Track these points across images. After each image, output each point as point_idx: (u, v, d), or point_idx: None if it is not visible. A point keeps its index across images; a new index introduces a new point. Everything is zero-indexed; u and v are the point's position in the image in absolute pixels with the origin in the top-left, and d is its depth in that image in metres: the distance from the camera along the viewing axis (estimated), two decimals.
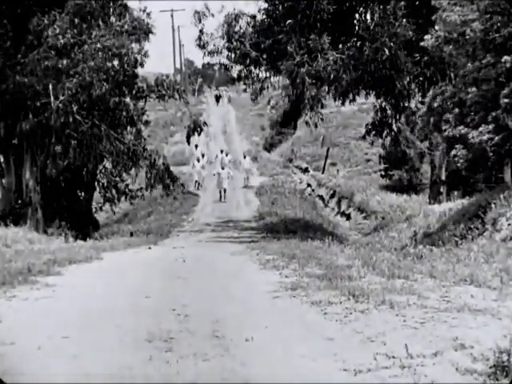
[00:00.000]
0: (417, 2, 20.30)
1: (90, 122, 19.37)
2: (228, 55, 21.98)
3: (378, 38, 19.19)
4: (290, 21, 20.00)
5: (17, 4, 18.71)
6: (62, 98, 18.53)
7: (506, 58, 13.03)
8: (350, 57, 19.57)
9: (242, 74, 22.24)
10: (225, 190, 32.05)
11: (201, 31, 21.90)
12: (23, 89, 18.37)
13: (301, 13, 20.04)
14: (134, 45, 21.96)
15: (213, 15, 21.95)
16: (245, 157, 39.01)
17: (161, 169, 21.11)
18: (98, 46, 18.87)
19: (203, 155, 37.92)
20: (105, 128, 19.85)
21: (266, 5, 21.67)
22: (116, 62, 20.16)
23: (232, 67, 22.56)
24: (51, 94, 18.51)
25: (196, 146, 38.06)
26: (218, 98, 63.64)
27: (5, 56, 18.59)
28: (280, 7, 20.94)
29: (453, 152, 15.02)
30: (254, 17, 21.87)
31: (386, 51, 19.08)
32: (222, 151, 38.65)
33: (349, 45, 20.22)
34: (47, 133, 19.39)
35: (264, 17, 21.68)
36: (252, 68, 21.99)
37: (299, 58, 19.54)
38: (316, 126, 22.35)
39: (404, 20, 19.09)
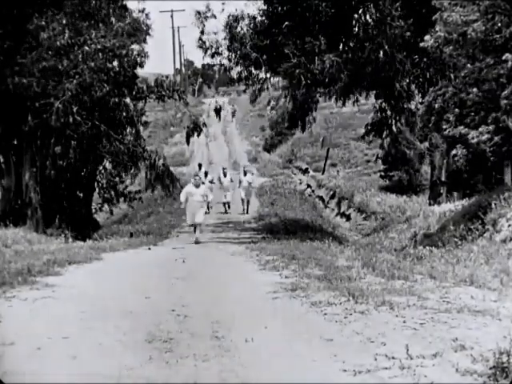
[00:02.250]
0: (416, 2, 20.30)
1: (90, 123, 19.39)
2: (228, 56, 22.00)
3: (374, 38, 19.21)
4: (287, 23, 20.03)
5: (14, 5, 18.71)
6: (62, 98, 18.55)
7: (507, 55, 13.03)
8: (347, 58, 19.59)
9: (243, 75, 22.26)
10: (198, 227, 18.11)
11: (202, 32, 21.92)
12: (23, 89, 18.39)
13: (299, 15, 20.07)
14: (134, 46, 22.02)
15: (214, 16, 21.96)
16: (245, 173, 28.42)
17: (161, 169, 21.16)
18: (99, 46, 18.89)
19: (206, 173, 28.54)
20: (105, 128, 19.88)
21: (264, 6, 21.70)
22: (116, 63, 20.20)
23: (232, 68, 22.58)
24: (51, 95, 18.53)
25: (200, 166, 30.53)
26: (218, 112, 59.84)
27: (4, 57, 18.60)
28: (279, 9, 20.96)
29: (453, 151, 15.06)
30: (254, 18, 21.89)
31: (381, 53, 19.11)
32: (225, 173, 28.75)
33: (346, 47, 20.23)
34: (47, 133, 19.41)
35: (263, 18, 21.71)
36: (252, 69, 22.02)
37: (296, 59, 19.57)
38: (304, 129, 22.43)
39: (401, 21, 19.10)
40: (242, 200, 28.07)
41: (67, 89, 18.57)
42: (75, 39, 18.98)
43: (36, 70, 18.23)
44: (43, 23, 18.55)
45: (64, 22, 18.80)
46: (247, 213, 27.84)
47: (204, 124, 24.78)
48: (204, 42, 21.94)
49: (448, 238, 14.08)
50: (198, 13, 21.86)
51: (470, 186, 22.82)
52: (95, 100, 19.30)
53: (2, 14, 18.50)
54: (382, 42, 18.96)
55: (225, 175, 28.52)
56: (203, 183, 22.70)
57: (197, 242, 17.74)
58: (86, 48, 18.89)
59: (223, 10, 22.07)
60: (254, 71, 22.12)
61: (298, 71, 19.28)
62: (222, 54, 22.09)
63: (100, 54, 19.00)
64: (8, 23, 18.68)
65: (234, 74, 22.83)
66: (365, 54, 19.33)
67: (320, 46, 19.38)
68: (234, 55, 21.76)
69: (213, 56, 22.11)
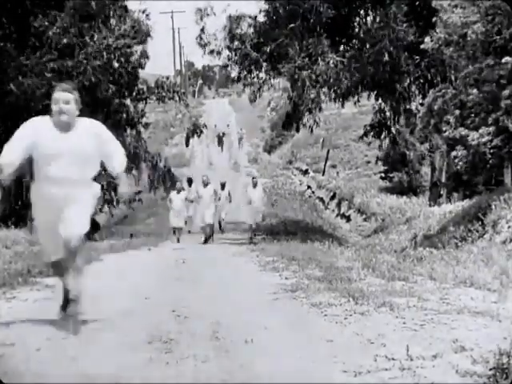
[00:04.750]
0: (417, 3, 20.33)
1: None
2: (228, 55, 22.04)
3: (378, 40, 19.25)
4: (292, 25, 20.03)
5: (17, 5, 18.73)
6: None
7: (507, 58, 13.07)
8: (350, 60, 19.63)
9: (242, 75, 22.28)
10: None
11: (202, 30, 21.95)
12: (25, 90, 18.37)
13: (301, 16, 20.09)
14: (135, 47, 22.04)
15: (214, 14, 22.00)
16: (255, 185, 20.51)
17: (162, 171, 21.18)
18: (102, 46, 18.88)
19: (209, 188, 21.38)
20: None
21: (266, 6, 21.73)
22: (117, 65, 20.22)
23: (232, 67, 22.62)
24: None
25: (189, 181, 23.39)
26: (220, 139, 56.31)
27: (7, 57, 18.60)
28: (281, 10, 20.97)
29: (453, 153, 15.10)
30: (254, 18, 21.92)
31: (386, 54, 19.16)
32: (223, 186, 23.16)
33: (349, 48, 20.26)
34: None
35: (265, 19, 21.75)
36: (252, 68, 22.05)
37: (300, 60, 19.58)
38: (312, 131, 22.48)
39: (405, 24, 19.14)
40: (250, 225, 20.84)
41: None
42: (77, 38, 18.96)
43: (39, 71, 18.23)
44: (46, 23, 18.53)
45: (66, 21, 18.75)
46: (253, 242, 19.64)
47: (204, 125, 24.78)
48: (204, 40, 21.94)
49: (448, 240, 14.11)
50: (199, 10, 21.91)
51: (470, 187, 22.86)
52: (99, 101, 19.30)
53: (4, 15, 18.51)
54: (386, 44, 19.02)
55: (205, 185, 20.95)
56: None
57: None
58: (89, 49, 18.87)
59: (226, 9, 22.12)
60: (254, 71, 22.16)
61: (304, 73, 19.29)
62: (220, 53, 22.14)
63: (105, 53, 18.96)
64: (11, 24, 18.69)
65: (233, 73, 22.90)
66: (368, 54, 19.37)
67: (323, 47, 19.42)
68: (233, 54, 21.80)
69: (212, 53, 22.12)
